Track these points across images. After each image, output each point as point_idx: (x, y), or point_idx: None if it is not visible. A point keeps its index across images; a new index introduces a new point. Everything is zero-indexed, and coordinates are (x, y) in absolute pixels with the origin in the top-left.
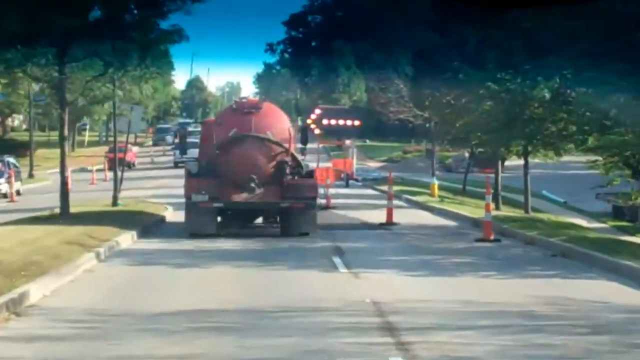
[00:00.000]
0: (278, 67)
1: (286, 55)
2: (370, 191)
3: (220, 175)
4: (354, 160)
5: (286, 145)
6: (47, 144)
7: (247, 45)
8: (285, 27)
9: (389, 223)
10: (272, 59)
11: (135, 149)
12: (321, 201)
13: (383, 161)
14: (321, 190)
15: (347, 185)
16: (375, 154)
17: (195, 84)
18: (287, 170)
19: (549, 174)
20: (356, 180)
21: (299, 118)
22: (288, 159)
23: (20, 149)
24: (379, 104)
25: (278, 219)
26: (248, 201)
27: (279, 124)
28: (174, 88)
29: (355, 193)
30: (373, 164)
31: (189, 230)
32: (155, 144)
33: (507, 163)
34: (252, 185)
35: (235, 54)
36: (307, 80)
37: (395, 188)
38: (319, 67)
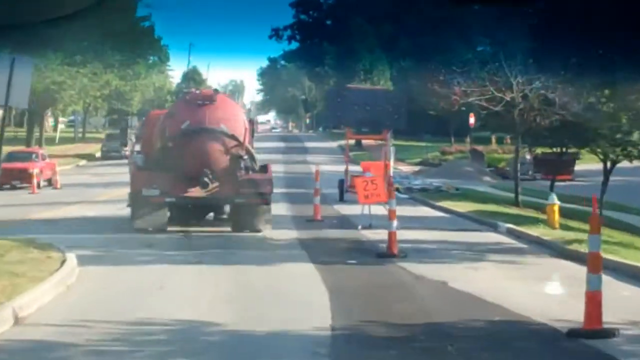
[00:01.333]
0: (283, 62)
1: (294, 43)
2: (427, 210)
3: (172, 169)
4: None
5: (241, 138)
6: (12, 141)
7: (249, 38)
8: (293, 9)
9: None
10: (277, 51)
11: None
12: (365, 235)
13: (417, 164)
14: (364, 211)
15: (341, 199)
16: (404, 154)
17: (192, 76)
18: (242, 165)
19: (629, 181)
20: (397, 191)
21: (308, 115)
22: (243, 152)
23: None
24: (420, 93)
25: (229, 214)
26: (201, 196)
27: (234, 117)
28: (169, 82)
29: (411, 215)
30: (405, 168)
31: (137, 225)
32: (105, 157)
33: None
34: (206, 179)
35: (237, 48)
36: (318, 69)
37: (467, 206)
38: (333, 53)
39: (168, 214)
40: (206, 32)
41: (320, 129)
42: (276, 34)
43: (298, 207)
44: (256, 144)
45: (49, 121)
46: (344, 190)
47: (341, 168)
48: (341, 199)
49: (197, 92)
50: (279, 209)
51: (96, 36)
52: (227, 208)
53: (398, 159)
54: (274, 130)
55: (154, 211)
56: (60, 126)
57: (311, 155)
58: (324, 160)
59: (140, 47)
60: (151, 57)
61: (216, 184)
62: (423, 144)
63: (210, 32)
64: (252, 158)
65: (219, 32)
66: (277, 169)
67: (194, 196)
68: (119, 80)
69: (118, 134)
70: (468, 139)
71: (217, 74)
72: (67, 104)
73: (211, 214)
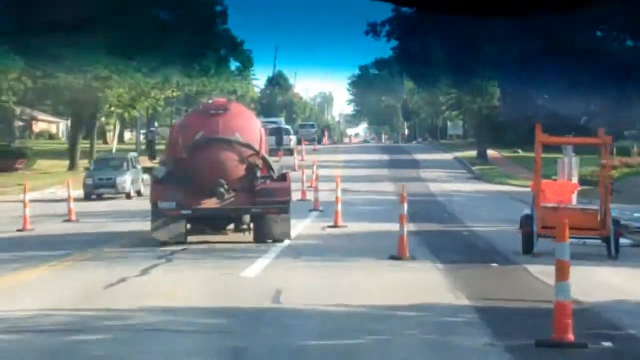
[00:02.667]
0: (374, 71)
1: (393, 41)
2: None
3: (188, 181)
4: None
5: (257, 147)
6: (56, 155)
7: (339, 45)
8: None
9: None
10: (369, 59)
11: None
12: None
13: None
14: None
15: (529, 251)
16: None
17: (278, 82)
18: (258, 174)
19: None
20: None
21: (407, 124)
22: (259, 162)
23: (12, 158)
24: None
25: (251, 225)
26: (217, 208)
27: (249, 126)
28: (252, 89)
29: None
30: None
31: (156, 237)
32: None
33: None
34: (221, 190)
35: (326, 56)
36: (423, 71)
37: None
38: (444, 48)
39: (188, 226)
40: (293, 38)
41: (428, 139)
42: (373, 30)
43: (457, 272)
44: (354, 156)
45: (111, 130)
46: (534, 234)
47: (469, 187)
48: (529, 250)
49: (210, 102)
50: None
51: (153, 25)
52: (247, 218)
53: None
54: (366, 143)
55: (171, 223)
56: (130, 137)
57: (425, 170)
58: (444, 177)
59: (208, 39)
60: (231, 59)
61: (232, 194)
62: (556, 155)
63: (298, 37)
64: (269, 167)
65: (307, 38)
66: (385, 189)
67: (210, 208)
68: (182, 77)
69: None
70: (636, 149)
71: (304, 84)
72: (117, 106)
73: (232, 225)
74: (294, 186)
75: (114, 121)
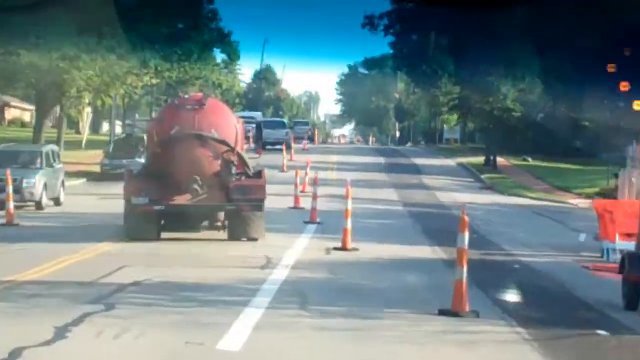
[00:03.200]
0: (364, 70)
1: (390, 36)
2: None
3: (162, 177)
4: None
5: (232, 144)
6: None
7: (330, 41)
8: None
9: None
10: (359, 57)
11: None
12: None
13: (590, 197)
14: None
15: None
16: (563, 181)
17: (265, 76)
18: (233, 171)
19: None
20: None
21: (398, 126)
22: (234, 158)
23: None
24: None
25: (226, 223)
26: (191, 204)
27: (225, 122)
28: (239, 83)
29: None
30: (579, 202)
31: (128, 234)
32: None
33: None
34: (196, 187)
35: (315, 51)
36: (425, 68)
37: None
38: (451, 43)
39: (162, 222)
40: (283, 31)
41: (421, 142)
42: (370, 23)
43: (554, 346)
44: (348, 158)
45: (84, 119)
46: None
47: (483, 198)
48: (635, 306)
49: (187, 96)
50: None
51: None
52: (221, 216)
53: (558, 188)
54: (351, 144)
55: (144, 220)
56: (108, 128)
57: (428, 176)
58: (451, 186)
59: (193, 19)
60: (217, 50)
61: (206, 191)
62: (570, 166)
63: (288, 30)
64: (244, 164)
65: (298, 31)
66: (389, 197)
67: (183, 204)
68: (160, 61)
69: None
70: None
71: (292, 80)
72: (86, 90)
73: (206, 222)
74: (284, 191)
75: (82, 107)
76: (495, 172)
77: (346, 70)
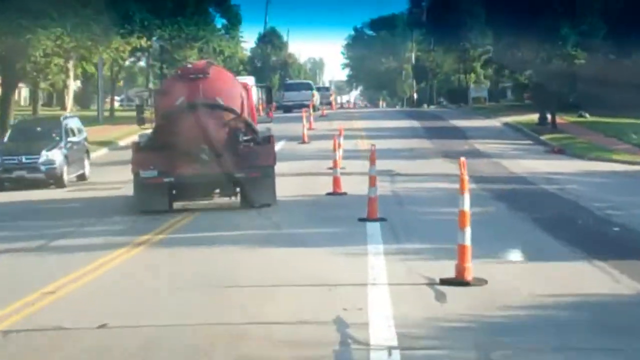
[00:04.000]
0: (371, 33)
1: None
2: None
3: (169, 148)
4: None
5: (238, 110)
6: None
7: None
8: None
9: None
10: (365, 18)
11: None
12: None
13: None
14: None
15: None
16: (631, 137)
17: (270, 40)
18: (241, 138)
19: None
20: None
21: (415, 87)
22: (241, 125)
23: None
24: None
25: (237, 190)
26: (200, 174)
27: (229, 89)
28: (241, 50)
29: None
30: None
31: (139, 207)
32: None
33: None
34: (204, 156)
35: (319, 16)
36: (449, 19)
37: None
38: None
39: (173, 192)
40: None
41: (443, 102)
42: None
43: None
44: (376, 123)
45: (69, 93)
46: None
47: (565, 165)
48: None
49: (189, 65)
50: None
51: None
52: (232, 183)
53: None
54: (366, 107)
55: (154, 192)
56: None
57: (477, 141)
58: (510, 151)
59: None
60: (216, 15)
61: (215, 159)
62: (633, 120)
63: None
64: (252, 130)
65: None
66: (445, 169)
67: (192, 174)
68: (147, 14)
69: None
70: None
71: (295, 48)
72: (55, 54)
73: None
74: (310, 168)
75: (53, 76)
76: (556, 132)
77: (352, 33)
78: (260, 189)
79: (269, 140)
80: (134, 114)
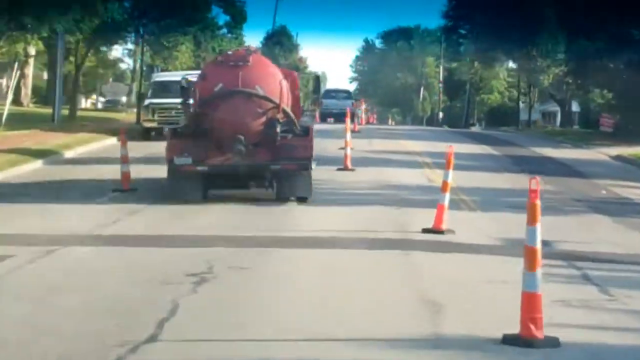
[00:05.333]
0: (382, 46)
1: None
2: None
3: (205, 136)
4: None
5: (277, 100)
6: None
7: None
8: None
9: None
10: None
11: None
12: None
13: None
14: None
15: None
16: None
17: (279, 41)
18: (279, 129)
19: None
20: None
21: (442, 104)
22: (279, 115)
23: None
24: None
25: (273, 182)
26: (235, 164)
27: (270, 78)
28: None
29: None
30: None
31: (171, 196)
32: None
33: None
34: (239, 146)
35: (331, 24)
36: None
37: None
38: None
39: (206, 182)
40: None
41: (474, 123)
42: None
43: None
44: (434, 145)
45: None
46: None
47: None
48: None
49: (230, 52)
50: None
51: None
52: (268, 174)
53: None
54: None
55: (187, 181)
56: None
57: (607, 181)
58: None
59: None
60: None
61: (251, 150)
62: None
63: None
64: (291, 121)
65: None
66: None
67: (227, 164)
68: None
69: None
70: None
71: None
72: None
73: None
74: (379, 223)
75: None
76: None
77: (361, 44)
78: (296, 182)
79: (307, 131)
80: (104, 114)
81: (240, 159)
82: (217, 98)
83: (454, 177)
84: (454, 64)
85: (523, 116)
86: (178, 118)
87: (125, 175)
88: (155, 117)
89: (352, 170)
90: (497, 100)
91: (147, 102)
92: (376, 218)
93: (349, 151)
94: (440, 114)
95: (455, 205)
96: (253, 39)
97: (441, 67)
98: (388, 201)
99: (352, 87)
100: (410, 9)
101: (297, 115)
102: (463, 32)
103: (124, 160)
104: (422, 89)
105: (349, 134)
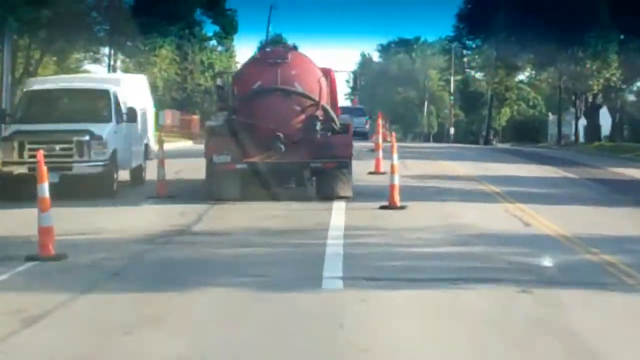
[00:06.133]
0: (378, 58)
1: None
2: None
3: (244, 134)
4: None
5: (316, 97)
6: None
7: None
8: None
9: None
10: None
11: None
12: None
13: None
14: None
15: None
16: None
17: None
18: (318, 126)
19: None
20: None
21: (453, 119)
22: (319, 113)
23: None
24: None
25: (313, 180)
26: (274, 162)
27: (308, 75)
28: (234, 65)
29: None
30: None
31: (212, 195)
32: None
33: None
34: (279, 144)
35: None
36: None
37: None
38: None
39: (245, 181)
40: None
41: (494, 140)
42: None
43: None
44: (484, 167)
45: None
46: None
47: None
48: None
49: (268, 50)
50: None
51: None
52: (307, 173)
53: None
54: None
55: (226, 179)
56: None
57: None
58: None
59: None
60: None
61: (290, 148)
62: None
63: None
64: (330, 118)
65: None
66: None
67: (267, 162)
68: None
69: None
70: None
71: None
72: None
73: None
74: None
75: None
76: None
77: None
78: (336, 180)
79: (347, 129)
80: None
81: (280, 157)
82: (256, 96)
83: (553, 215)
84: (476, 73)
85: (552, 129)
86: (68, 161)
87: None
88: (25, 157)
89: (402, 208)
90: (526, 112)
91: (10, 130)
92: (501, 326)
93: (396, 180)
94: (452, 130)
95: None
96: (245, 49)
97: (452, 79)
98: (496, 273)
99: (348, 103)
100: (415, 17)
101: (336, 113)
102: (482, 35)
103: None
104: (426, 103)
105: (395, 157)
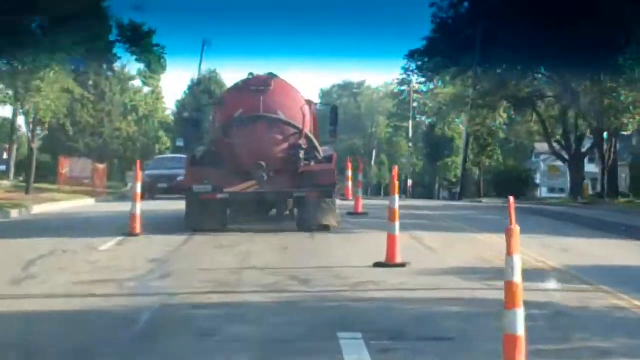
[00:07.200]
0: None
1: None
2: None
3: (225, 163)
4: None
5: (300, 126)
6: None
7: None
8: None
9: None
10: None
11: None
12: None
13: None
14: None
15: None
16: None
17: (208, 88)
18: (301, 155)
19: None
20: None
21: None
22: (302, 141)
23: None
24: None
25: (295, 211)
26: (256, 191)
27: (291, 103)
28: (162, 106)
29: None
30: None
31: (191, 225)
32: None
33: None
34: (261, 173)
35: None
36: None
37: None
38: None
39: (228, 211)
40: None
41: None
42: None
43: None
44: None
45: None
46: None
47: None
48: None
49: (251, 77)
50: None
51: None
52: (290, 203)
53: None
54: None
55: (207, 209)
56: None
57: None
58: None
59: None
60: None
61: (273, 177)
62: None
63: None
64: (313, 147)
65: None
66: None
67: (248, 192)
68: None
69: None
70: None
71: None
72: None
73: (274, 211)
74: None
75: None
76: None
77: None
78: (320, 210)
79: (330, 159)
80: None
81: (262, 186)
82: (238, 123)
83: None
84: (427, 119)
85: (543, 181)
86: None
87: None
88: None
89: None
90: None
91: None
92: None
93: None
94: (409, 182)
95: None
96: (175, 86)
97: (410, 122)
98: None
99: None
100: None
101: (318, 142)
102: (451, 70)
103: None
104: (373, 152)
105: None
